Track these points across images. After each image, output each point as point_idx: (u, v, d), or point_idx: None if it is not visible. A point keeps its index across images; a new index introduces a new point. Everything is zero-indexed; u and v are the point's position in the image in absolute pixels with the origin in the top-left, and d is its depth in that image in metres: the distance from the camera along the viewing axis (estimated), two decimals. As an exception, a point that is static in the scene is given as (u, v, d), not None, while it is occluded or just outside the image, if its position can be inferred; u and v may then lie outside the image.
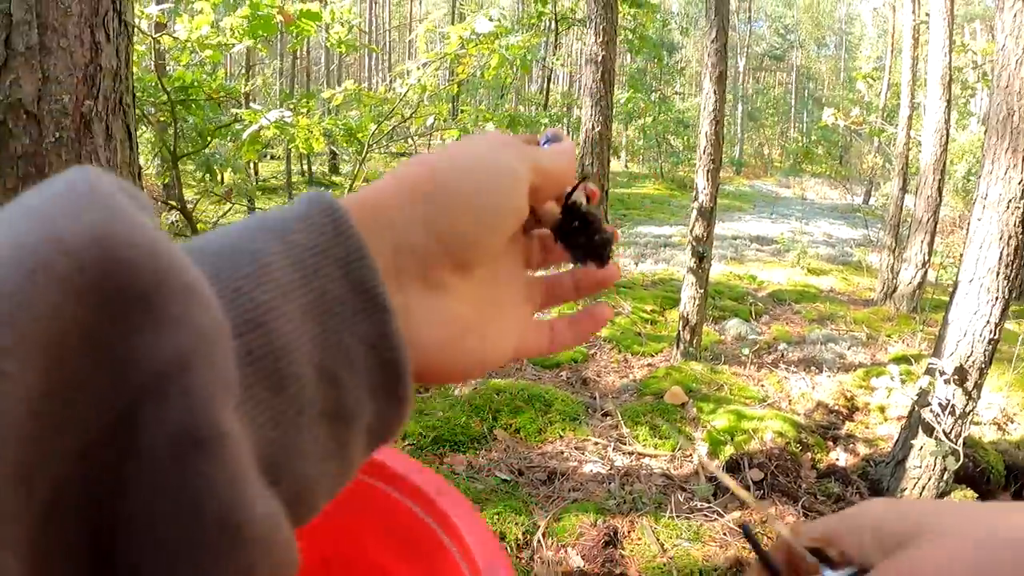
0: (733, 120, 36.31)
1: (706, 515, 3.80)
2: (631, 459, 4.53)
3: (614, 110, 9.53)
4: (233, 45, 4.53)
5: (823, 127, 15.09)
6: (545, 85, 20.11)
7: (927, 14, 9.72)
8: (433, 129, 6.54)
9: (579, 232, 0.50)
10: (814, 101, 44.01)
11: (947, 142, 8.98)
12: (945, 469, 4.06)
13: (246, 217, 0.35)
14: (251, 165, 15.27)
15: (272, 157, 20.82)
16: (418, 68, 5.42)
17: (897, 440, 4.54)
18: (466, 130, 6.48)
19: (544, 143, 0.50)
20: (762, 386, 6.01)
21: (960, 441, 4.03)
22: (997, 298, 3.97)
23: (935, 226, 9.01)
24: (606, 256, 0.52)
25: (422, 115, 5.87)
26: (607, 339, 6.73)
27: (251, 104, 6.18)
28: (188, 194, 7.00)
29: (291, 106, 5.35)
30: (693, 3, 40.92)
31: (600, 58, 8.06)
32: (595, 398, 5.44)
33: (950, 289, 4.35)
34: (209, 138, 5.16)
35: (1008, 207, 3.93)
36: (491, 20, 5.16)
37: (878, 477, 4.50)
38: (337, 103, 5.66)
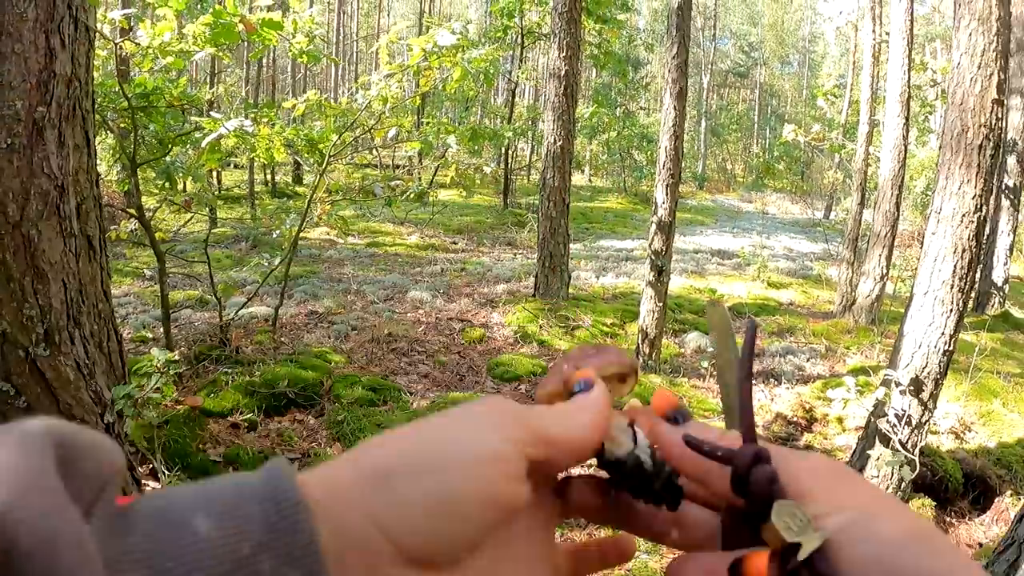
0: (696, 136, 36.75)
1: (664, 525, 3.82)
2: (591, 470, 4.54)
3: (578, 124, 9.62)
4: (195, 52, 4.50)
5: (785, 143, 15.36)
6: (510, 98, 20.19)
7: (887, 33, 9.95)
8: (396, 140, 6.53)
9: (642, 485, 0.42)
10: (777, 118, 44.74)
11: (905, 158, 9.19)
12: (902, 479, 4.13)
13: (202, 485, 0.32)
14: (214, 174, 15.14)
15: (236, 166, 20.64)
16: (380, 80, 5.43)
17: (854, 450, 4.62)
18: (428, 143, 6.48)
19: (578, 390, 0.44)
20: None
21: (916, 451, 4.11)
22: (952, 310, 4.06)
23: (893, 240, 9.20)
24: (674, 503, 0.43)
25: (385, 126, 5.87)
26: (566, 353, 6.75)
27: (212, 112, 6.13)
28: (149, 202, 6.93)
29: (252, 115, 5.32)
30: (659, 19, 41.44)
31: (563, 72, 8.13)
32: (555, 410, 5.44)
33: (907, 302, 4.44)
34: (170, 146, 5.11)
35: (962, 221, 4.03)
36: (454, 33, 5.19)
37: (833, 487, 4.56)
38: (299, 113, 5.64)
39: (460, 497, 0.35)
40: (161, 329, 5.59)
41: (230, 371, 5.34)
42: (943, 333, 4.10)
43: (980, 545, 4.18)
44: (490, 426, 0.37)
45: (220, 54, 4.78)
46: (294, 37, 4.88)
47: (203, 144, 4.71)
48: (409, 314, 7.94)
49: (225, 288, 6.08)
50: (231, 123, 4.71)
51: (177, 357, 3.86)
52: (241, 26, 4.42)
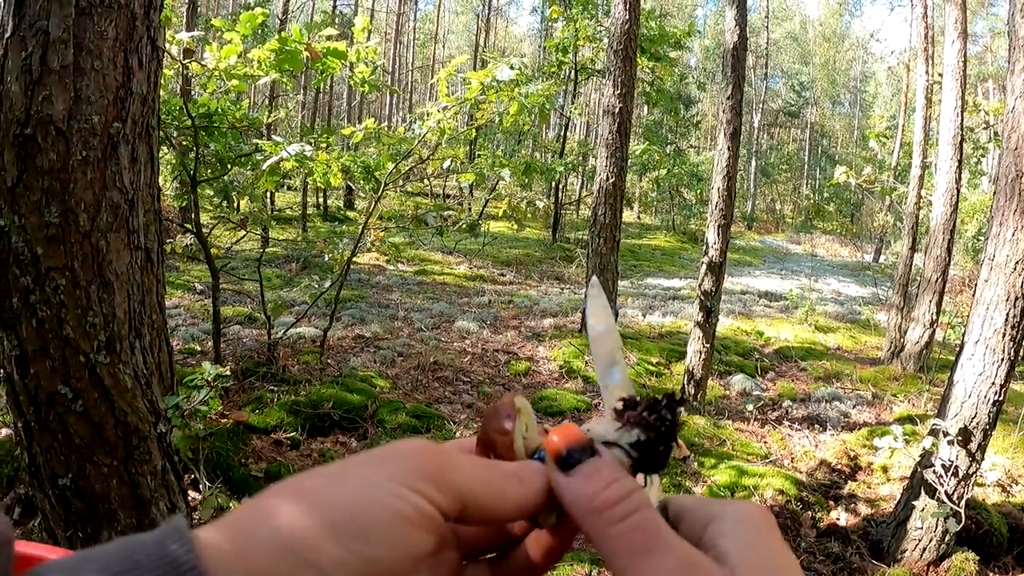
0: (746, 175, 36.53)
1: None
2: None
3: (629, 161, 9.63)
4: (259, 77, 4.63)
5: (835, 185, 15.20)
6: (562, 133, 20.33)
7: (940, 74, 9.83)
8: (449, 171, 6.62)
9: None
10: (827, 158, 44.29)
11: (957, 202, 9.02)
12: (947, 531, 4.01)
13: (106, 550, 0.31)
14: (267, 194, 15.45)
15: (289, 188, 21.04)
16: (438, 111, 5.52)
17: (899, 501, 4.50)
18: (481, 175, 6.56)
19: (535, 457, 0.42)
20: (765, 443, 5.98)
21: (962, 503, 3.99)
22: (1003, 360, 3.96)
23: (944, 286, 9.01)
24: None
25: (440, 157, 5.95)
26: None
27: (273, 135, 6.29)
28: (204, 219, 7.10)
29: (311, 140, 5.44)
30: (711, 58, 41.49)
31: (617, 110, 8.17)
32: (597, 447, 5.41)
33: (957, 349, 4.34)
34: (229, 165, 5.24)
35: (1016, 268, 3.94)
36: (512, 68, 5.27)
37: (879, 537, 4.45)
38: (357, 140, 5.75)
39: (378, 562, 0.33)
40: (210, 343, 5.70)
41: (276, 389, 5.41)
42: (993, 383, 3.99)
43: (1029, 606, 4.04)
44: (404, 480, 0.35)
45: (283, 79, 4.91)
46: (356, 66, 5.00)
47: (263, 166, 4.82)
48: (455, 343, 7.97)
49: (275, 307, 6.19)
50: (292, 147, 4.82)
51: (227, 371, 3.93)
52: (306, 53, 4.54)
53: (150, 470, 2.30)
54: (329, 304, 6.70)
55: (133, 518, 2.24)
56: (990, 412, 4.01)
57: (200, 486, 3.83)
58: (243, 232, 6.55)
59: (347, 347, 7.22)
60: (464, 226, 6.38)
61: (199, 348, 6.45)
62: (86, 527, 2.19)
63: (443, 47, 43.61)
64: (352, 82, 5.35)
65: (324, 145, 5.47)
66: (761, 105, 41.08)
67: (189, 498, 3.56)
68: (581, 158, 21.35)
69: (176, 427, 3.62)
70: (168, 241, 6.57)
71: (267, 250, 12.22)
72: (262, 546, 0.32)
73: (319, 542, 0.32)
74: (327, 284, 6.22)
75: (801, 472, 5.38)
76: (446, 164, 6.01)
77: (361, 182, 6.17)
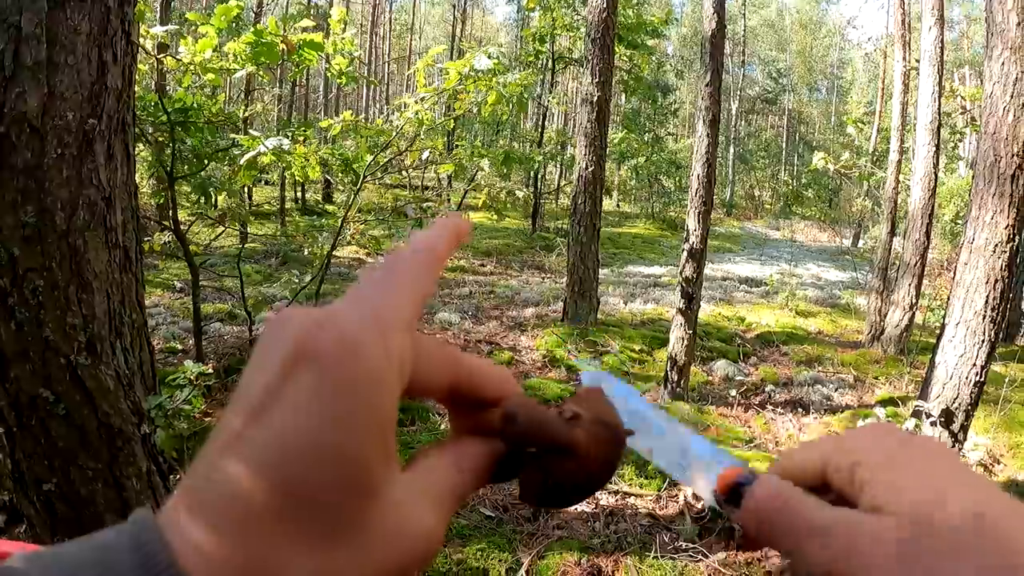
0: (724, 162, 36.66)
1: (691, 555, 3.78)
2: (616, 498, 4.51)
3: (607, 150, 9.64)
4: (236, 70, 4.57)
5: (813, 171, 15.28)
6: (540, 122, 20.31)
7: (917, 60, 9.91)
8: (428, 162, 6.58)
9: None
10: (805, 144, 44.54)
11: (935, 186, 9.12)
12: (931, 513, 4.06)
13: (73, 548, 0.29)
14: (245, 190, 15.34)
15: (266, 183, 20.88)
16: (416, 102, 5.48)
17: (883, 483, 4.55)
18: (460, 166, 6.53)
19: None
20: (749, 427, 6.02)
21: (946, 484, 4.04)
22: (984, 341, 4.01)
23: (923, 269, 9.10)
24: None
25: (418, 148, 5.91)
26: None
27: (250, 130, 6.22)
28: (182, 216, 7.03)
29: (289, 134, 5.39)
30: (688, 46, 41.55)
31: (595, 98, 8.17)
32: (582, 435, 5.42)
33: (937, 332, 4.39)
34: (206, 161, 5.17)
35: (995, 251, 3.98)
36: (490, 57, 5.23)
37: (864, 520, 4.49)
38: (335, 133, 5.71)
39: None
40: (191, 341, 5.64)
41: (258, 386, 5.35)
42: (975, 364, 4.04)
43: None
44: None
45: (260, 72, 4.85)
46: (333, 58, 4.94)
47: (241, 161, 4.77)
48: (437, 335, 7.95)
49: (256, 303, 6.14)
50: (270, 141, 4.77)
51: (209, 369, 3.89)
52: (282, 46, 4.48)
53: (135, 472, 2.27)
54: (310, 299, 6.65)
55: (120, 522, 2.21)
56: (972, 393, 4.06)
57: (185, 486, 3.79)
58: (222, 228, 6.48)
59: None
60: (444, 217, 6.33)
61: (180, 347, 6.38)
62: (72, 532, 2.15)
63: (419, 38, 43.37)
64: (329, 74, 5.30)
65: (302, 138, 5.41)
66: (739, 92, 41.22)
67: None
68: (560, 147, 21.33)
69: (160, 427, 3.59)
70: (146, 239, 6.49)
71: (246, 246, 12.14)
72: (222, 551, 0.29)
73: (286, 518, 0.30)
74: (307, 279, 6.18)
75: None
76: (425, 155, 5.97)
77: (340, 175, 6.13)
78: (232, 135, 5.31)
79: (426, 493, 0.35)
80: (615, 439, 0.41)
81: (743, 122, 45.86)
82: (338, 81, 5.23)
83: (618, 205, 30.89)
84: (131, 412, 2.26)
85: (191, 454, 4.05)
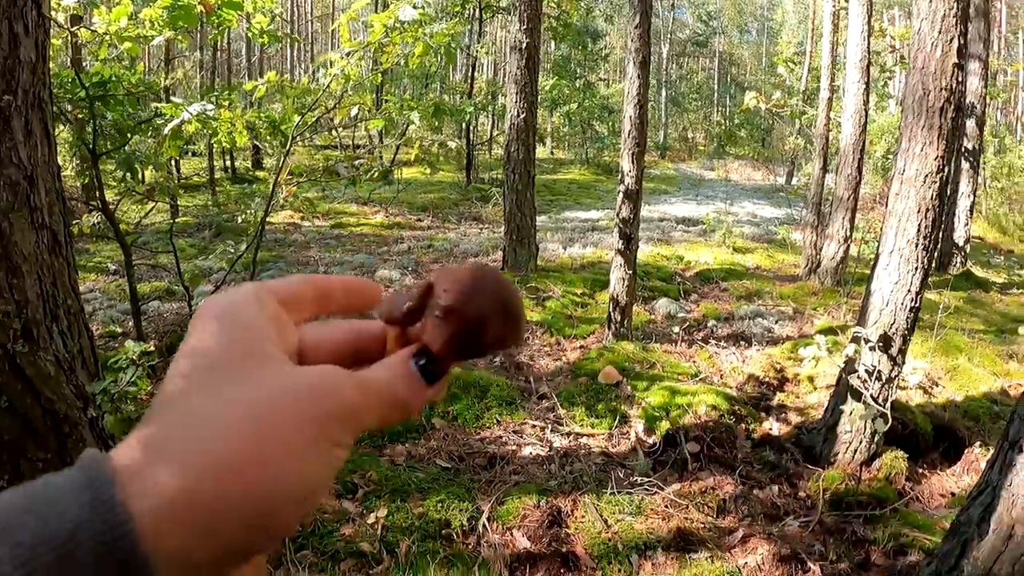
0: (657, 105, 36.79)
1: (646, 489, 3.88)
2: (569, 439, 4.59)
3: (539, 97, 9.59)
4: (153, 37, 4.39)
5: (745, 110, 15.47)
6: (470, 74, 20.07)
7: (847, 1, 10.03)
8: (358, 120, 6.46)
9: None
10: (737, 86, 44.88)
11: (866, 122, 9.32)
12: (875, 432, 4.23)
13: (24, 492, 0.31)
14: (173, 163, 14.88)
15: (194, 154, 20.31)
16: (341, 58, 5.35)
17: (827, 407, 4.71)
18: (391, 119, 6.42)
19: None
20: (694, 362, 6.16)
21: (888, 405, 4.21)
22: (917, 268, 4.15)
23: (856, 203, 9.34)
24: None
25: (347, 105, 5.80)
26: (539, 323, 6.79)
27: (171, 98, 6.01)
28: (110, 195, 6.80)
29: (212, 99, 5.22)
30: (615, -10, 41.26)
31: (524, 45, 8.10)
32: (530, 382, 5.49)
33: (872, 262, 4.53)
34: (129, 135, 4.99)
35: (925, 181, 4.11)
36: (415, 8, 5.13)
37: (811, 443, 4.66)
38: (260, 95, 5.55)
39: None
40: (131, 323, 5.52)
41: (203, 360, 5.27)
42: (909, 290, 4.18)
43: (953, 495, 4.30)
44: (331, 437, 0.37)
45: (179, 38, 4.68)
46: (254, 17, 4.79)
47: (165, 131, 4.62)
48: (380, 294, 7.92)
49: (192, 277, 6.01)
50: (193, 107, 4.62)
51: (151, 347, 3.82)
52: (200, 7, 4.32)
53: (85, 456, 2.23)
54: (247, 268, 6.54)
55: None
56: (908, 318, 4.21)
57: (137, 466, 3.74)
58: (151, 204, 6.30)
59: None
60: (376, 174, 6.25)
61: (120, 329, 6.23)
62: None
63: (341, -6, 42.21)
64: (251, 34, 5.14)
65: (227, 103, 5.26)
66: (669, 36, 41.23)
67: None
68: (490, 97, 21.14)
69: (107, 412, 3.52)
70: (75, 222, 6.27)
71: (178, 220, 11.82)
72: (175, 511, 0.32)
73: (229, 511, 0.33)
74: (243, 247, 6.06)
75: (731, 387, 5.58)
76: (353, 112, 5.85)
77: (268, 138, 5.98)
78: (155, 105, 5.12)
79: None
80: (476, 288, 0.45)
81: (675, 65, 45.97)
82: (260, 41, 5.08)
83: (552, 152, 30.85)
84: (75, 397, 2.21)
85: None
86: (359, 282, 0.49)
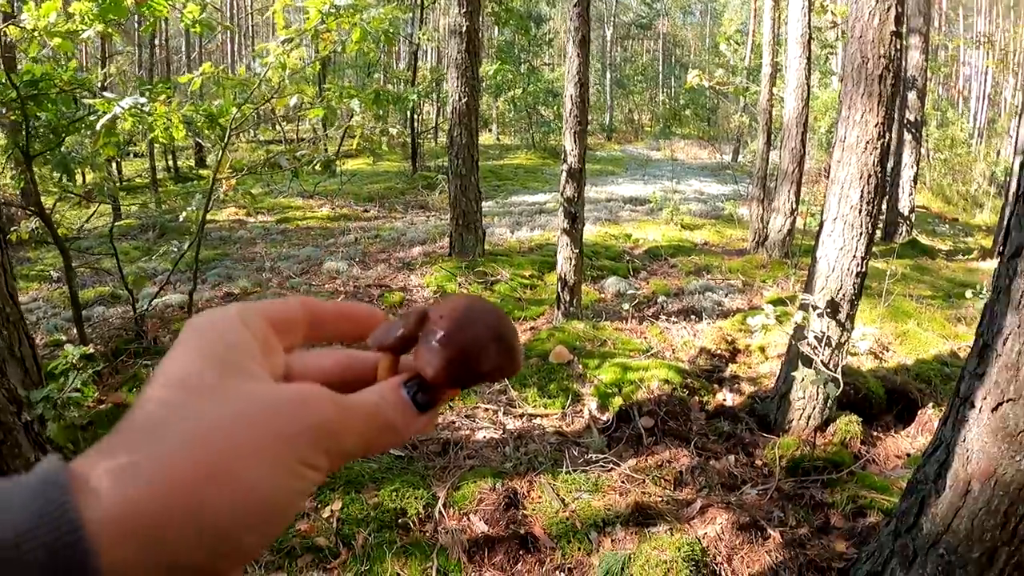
0: (602, 88, 36.89)
1: (602, 466, 3.90)
2: (523, 421, 4.60)
3: (483, 83, 9.54)
4: (83, 31, 4.25)
5: (690, 89, 15.55)
6: (412, 61, 19.88)
7: (788, -23, 10.14)
8: (299, 110, 6.36)
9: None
10: (681, 67, 45.08)
11: (808, 96, 9.47)
12: (828, 396, 4.30)
13: None
14: (113, 164, 14.51)
15: (135, 155, 19.82)
16: (277, 47, 5.25)
17: (779, 375, 4.78)
18: (331, 109, 6.33)
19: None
20: (645, 338, 6.20)
21: (839, 370, 4.28)
22: (862, 233, 4.22)
23: (800, 176, 9.49)
24: None
25: (286, 95, 5.70)
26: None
27: (104, 93, 5.85)
28: (48, 201, 6.60)
29: (145, 92, 5.08)
30: (557, -26, 41.18)
31: (464, 28, 8.04)
32: (481, 365, 5.47)
33: (817, 229, 4.59)
34: (63, 135, 4.84)
35: (866, 148, 4.17)
36: (351, -7, 5.05)
37: (765, 412, 4.73)
38: (195, 87, 5.42)
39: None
40: (74, 330, 5.38)
41: (150, 363, 5.19)
42: (855, 256, 4.25)
43: (908, 456, 4.40)
44: (304, 456, 0.36)
45: (111, 31, 4.53)
46: (185, 7, 4.66)
47: (98, 126, 4.48)
48: (326, 285, 7.87)
49: (136, 280, 5.87)
50: (125, 101, 4.49)
51: (91, 350, 3.72)
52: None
53: (23, 464, 2.17)
54: (191, 267, 6.42)
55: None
56: (855, 283, 4.28)
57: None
58: (91, 207, 6.13)
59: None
60: (319, 165, 6.16)
61: (65, 337, 6.05)
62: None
63: (277, -14, 41.41)
64: (183, 23, 5.01)
65: (162, 96, 5.12)
66: (613, 19, 41.25)
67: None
68: (434, 85, 20.98)
69: (51, 420, 3.42)
70: (12, 229, 6.08)
71: (120, 222, 11.55)
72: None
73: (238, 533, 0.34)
74: (186, 247, 5.94)
75: (683, 361, 5.63)
76: (292, 102, 5.75)
77: (207, 133, 5.84)
78: (88, 101, 4.96)
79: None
80: (471, 317, 0.45)
81: (619, 48, 46.10)
82: (194, 31, 4.96)
83: (498, 138, 30.74)
84: (8, 401, 2.14)
85: (88, 444, 3.88)
86: (355, 308, 0.49)
